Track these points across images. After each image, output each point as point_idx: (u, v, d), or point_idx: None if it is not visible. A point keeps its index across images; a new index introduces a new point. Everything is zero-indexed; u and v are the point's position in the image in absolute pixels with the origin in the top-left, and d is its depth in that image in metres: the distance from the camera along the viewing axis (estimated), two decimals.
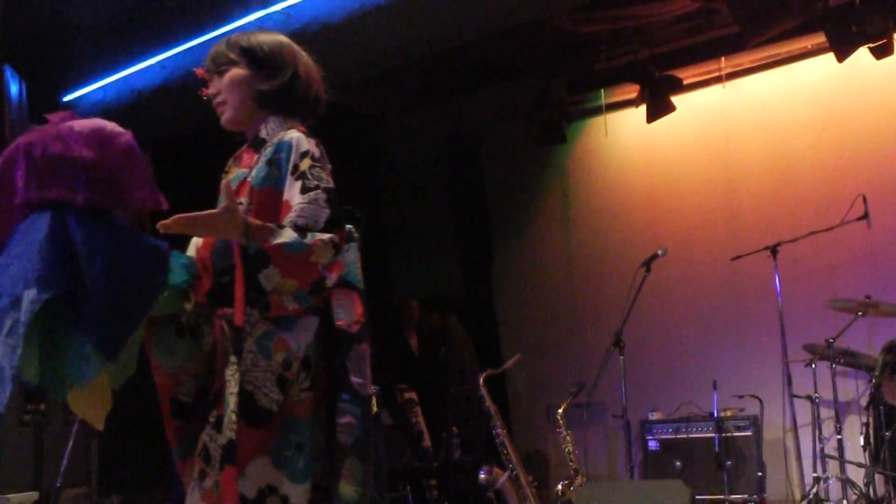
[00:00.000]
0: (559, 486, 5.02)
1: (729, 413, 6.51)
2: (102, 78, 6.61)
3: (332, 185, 2.26)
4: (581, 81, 7.94)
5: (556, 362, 8.04)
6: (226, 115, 2.44)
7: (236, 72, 2.41)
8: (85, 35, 6.72)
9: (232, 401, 2.08)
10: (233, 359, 2.11)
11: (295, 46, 2.48)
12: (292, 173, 2.24)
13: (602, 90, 8.04)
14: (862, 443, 5.47)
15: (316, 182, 2.22)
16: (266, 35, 2.46)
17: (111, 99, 6.59)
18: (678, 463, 6.55)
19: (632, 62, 7.35)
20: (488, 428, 4.91)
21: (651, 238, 7.25)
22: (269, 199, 2.25)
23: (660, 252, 5.74)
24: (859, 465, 5.52)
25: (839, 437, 5.75)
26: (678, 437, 6.64)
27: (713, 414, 6.42)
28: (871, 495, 5.29)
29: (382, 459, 4.49)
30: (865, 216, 5.92)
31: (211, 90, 2.45)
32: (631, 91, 7.66)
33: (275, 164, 2.28)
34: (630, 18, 6.82)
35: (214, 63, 2.44)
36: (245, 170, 2.37)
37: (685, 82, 7.40)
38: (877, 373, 5.36)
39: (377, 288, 8.68)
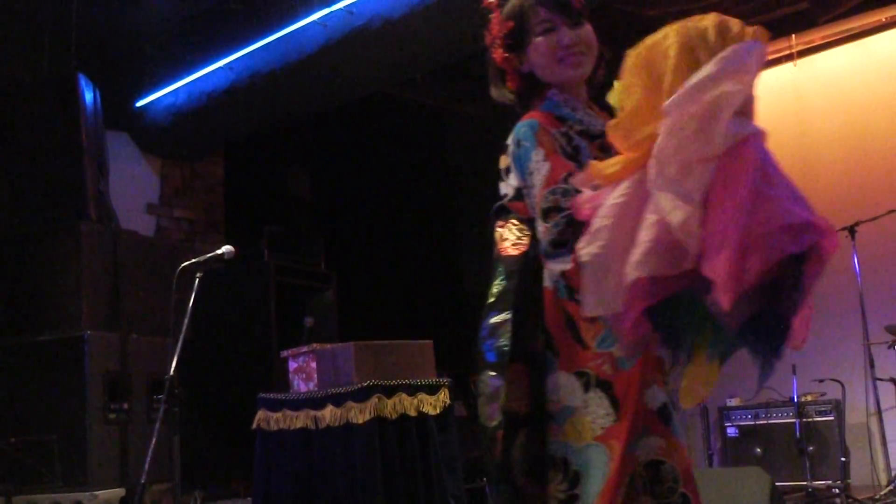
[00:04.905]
0: None
1: (809, 397, 6.39)
2: (172, 82, 6.74)
3: None
4: None
5: None
6: (584, 70, 2.15)
7: (591, 28, 2.17)
8: (154, 41, 6.85)
9: None
10: None
11: None
12: None
13: None
14: None
15: None
16: None
17: (182, 103, 6.71)
18: (758, 449, 6.45)
19: None
20: None
21: None
22: None
23: None
24: None
25: None
26: (757, 423, 6.53)
27: (793, 399, 6.31)
28: None
29: (458, 451, 4.50)
30: None
31: (568, 37, 2.11)
32: None
33: None
34: None
35: (570, 12, 2.14)
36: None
37: None
38: None
39: (449, 279, 8.71)
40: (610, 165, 1.76)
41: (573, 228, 1.83)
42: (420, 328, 6.52)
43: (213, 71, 6.47)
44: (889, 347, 5.70)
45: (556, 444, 1.94)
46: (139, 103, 6.96)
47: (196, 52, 6.57)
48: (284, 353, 4.81)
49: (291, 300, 6.57)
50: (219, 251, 4.18)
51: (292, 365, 4.70)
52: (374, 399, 4.18)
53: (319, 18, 5.75)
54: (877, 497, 5.51)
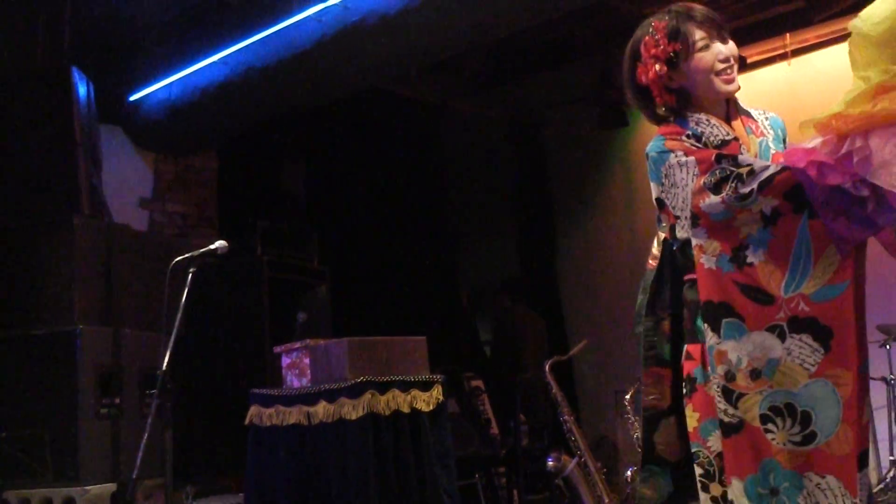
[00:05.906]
0: (628, 473, 4.99)
1: None
2: (166, 76, 6.72)
3: None
4: None
5: (623, 348, 7.97)
6: (735, 85, 2.41)
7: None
8: (148, 34, 6.83)
9: None
10: None
11: None
12: None
13: None
14: None
15: None
16: None
17: (176, 97, 6.69)
18: None
19: None
20: (555, 414, 4.89)
21: None
22: None
23: None
24: None
25: None
26: None
27: None
28: None
29: (451, 448, 4.50)
30: None
31: (724, 51, 2.37)
32: None
33: (783, 142, 2.48)
34: None
35: (719, 26, 2.39)
36: (762, 138, 2.46)
37: (749, 60, 7.25)
38: None
39: (444, 275, 8.70)
40: (851, 122, 2.08)
41: (742, 182, 2.11)
42: (413, 324, 6.52)
43: (207, 65, 6.45)
44: (881, 346, 5.71)
45: (774, 393, 2.09)
46: (133, 97, 6.94)
47: (191, 46, 6.55)
48: (277, 349, 4.80)
49: (284, 295, 6.56)
50: (212, 246, 4.17)
51: (285, 360, 4.70)
52: (368, 395, 4.18)
53: (315, 13, 5.73)
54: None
